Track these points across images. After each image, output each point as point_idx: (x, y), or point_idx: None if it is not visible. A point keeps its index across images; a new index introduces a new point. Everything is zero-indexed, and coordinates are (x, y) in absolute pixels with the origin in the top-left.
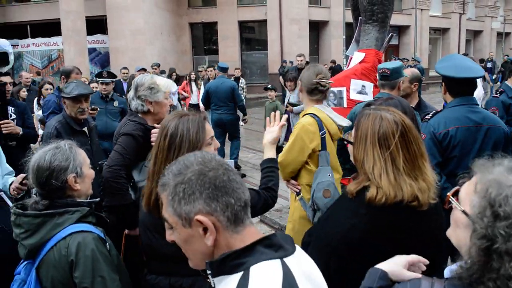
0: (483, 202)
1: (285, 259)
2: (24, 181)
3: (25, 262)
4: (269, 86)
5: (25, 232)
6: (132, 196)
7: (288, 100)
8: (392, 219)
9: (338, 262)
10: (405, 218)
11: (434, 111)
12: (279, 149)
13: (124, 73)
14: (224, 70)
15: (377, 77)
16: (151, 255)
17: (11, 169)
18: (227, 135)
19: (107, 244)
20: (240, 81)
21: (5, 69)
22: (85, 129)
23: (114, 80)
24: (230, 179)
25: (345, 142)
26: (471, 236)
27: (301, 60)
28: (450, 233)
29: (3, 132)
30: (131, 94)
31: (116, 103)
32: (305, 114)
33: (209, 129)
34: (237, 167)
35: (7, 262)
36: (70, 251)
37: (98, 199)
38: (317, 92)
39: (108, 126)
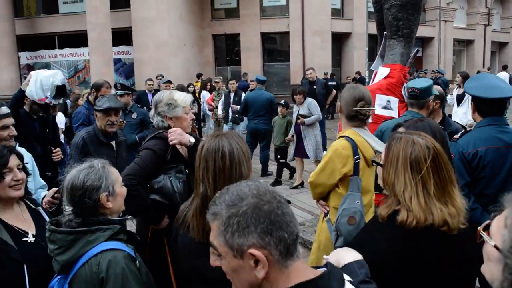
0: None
1: None
2: (56, 195)
3: (59, 277)
4: (282, 102)
5: (58, 248)
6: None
7: (298, 112)
8: (424, 243)
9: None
10: (437, 242)
11: (463, 131)
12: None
13: (149, 85)
14: (261, 82)
15: (405, 95)
16: (199, 279)
17: (44, 183)
18: (258, 146)
19: (137, 261)
20: None
21: (61, 100)
22: (113, 142)
23: (128, 92)
24: (284, 212)
25: (374, 164)
26: (503, 271)
27: (310, 74)
28: (484, 269)
29: (54, 160)
30: (152, 111)
31: (135, 115)
32: (341, 136)
33: None
34: (269, 173)
35: (44, 276)
36: (101, 268)
37: (129, 216)
38: (357, 120)
39: None
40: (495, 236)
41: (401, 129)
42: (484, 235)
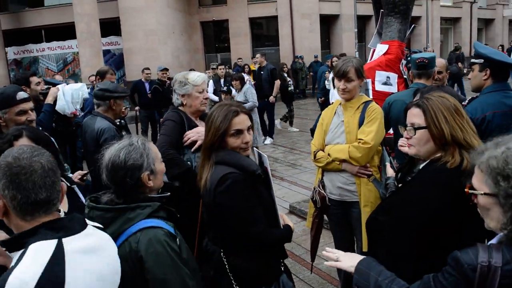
0: (492, 174)
1: (63, 239)
2: (84, 178)
3: None
4: (224, 88)
5: None
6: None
7: (235, 98)
8: None
9: (430, 239)
10: None
11: (470, 98)
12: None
13: (147, 74)
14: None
15: (403, 71)
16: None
17: (67, 166)
18: None
19: (178, 239)
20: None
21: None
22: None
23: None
24: (29, 180)
25: (416, 129)
26: (502, 207)
27: (257, 59)
28: (488, 223)
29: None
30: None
31: None
32: (369, 101)
33: (237, 122)
34: None
35: None
36: (140, 247)
37: (168, 193)
38: None
39: None
40: (480, 187)
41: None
42: (473, 191)
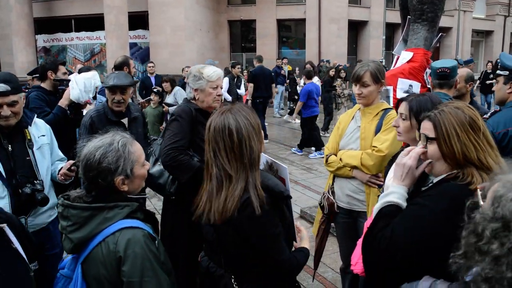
0: (490, 197)
1: None
2: (72, 168)
3: (70, 257)
4: (155, 90)
5: (72, 225)
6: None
7: (165, 100)
8: None
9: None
10: None
11: (493, 111)
12: None
13: (150, 67)
14: None
15: (427, 80)
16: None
17: (62, 156)
18: None
19: (156, 242)
20: None
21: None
22: (125, 120)
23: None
24: None
25: (429, 141)
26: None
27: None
28: None
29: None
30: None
31: None
32: (389, 109)
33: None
34: None
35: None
36: (119, 247)
37: (146, 195)
38: None
39: None
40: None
41: (403, 105)
42: (479, 195)
